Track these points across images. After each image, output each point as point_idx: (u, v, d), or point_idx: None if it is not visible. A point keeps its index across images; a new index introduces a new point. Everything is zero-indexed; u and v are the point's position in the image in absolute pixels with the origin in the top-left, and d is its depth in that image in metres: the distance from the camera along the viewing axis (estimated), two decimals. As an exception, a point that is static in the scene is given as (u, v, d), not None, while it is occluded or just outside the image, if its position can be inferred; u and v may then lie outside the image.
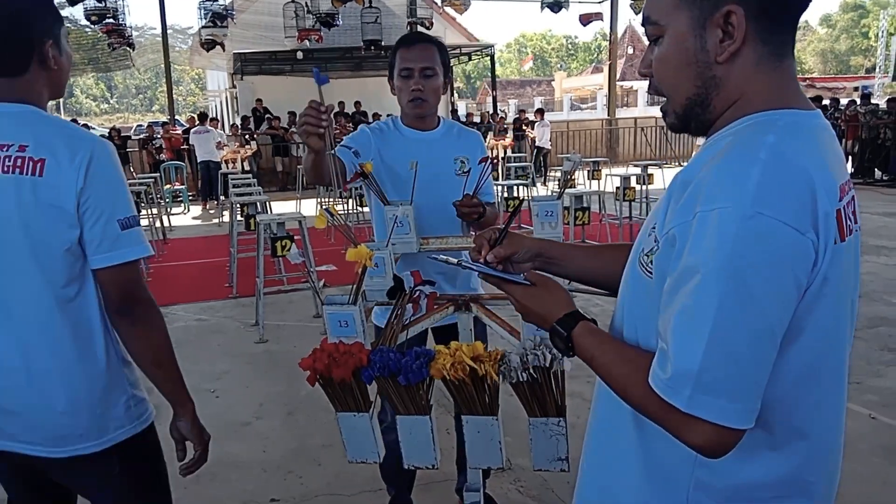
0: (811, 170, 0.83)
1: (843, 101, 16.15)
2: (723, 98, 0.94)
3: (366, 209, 8.42)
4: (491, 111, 18.70)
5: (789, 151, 0.84)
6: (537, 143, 15.65)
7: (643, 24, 0.99)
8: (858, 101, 14.50)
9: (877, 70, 32.44)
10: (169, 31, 16.95)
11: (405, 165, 2.08)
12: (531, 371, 1.36)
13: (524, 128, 16.05)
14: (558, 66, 57.97)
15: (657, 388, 0.86)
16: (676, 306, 0.84)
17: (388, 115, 2.39)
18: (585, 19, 17.28)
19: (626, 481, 1.02)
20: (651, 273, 0.92)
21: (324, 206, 8.70)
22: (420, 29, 15.07)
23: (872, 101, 14.89)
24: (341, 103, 16.36)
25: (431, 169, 2.11)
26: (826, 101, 15.32)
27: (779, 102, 0.91)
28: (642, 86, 24.38)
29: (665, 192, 0.94)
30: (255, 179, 9.04)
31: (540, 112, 16.75)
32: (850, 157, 13.91)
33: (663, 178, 9.04)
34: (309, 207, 10.13)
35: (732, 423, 0.83)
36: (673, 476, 0.96)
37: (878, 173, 13.23)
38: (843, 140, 13.96)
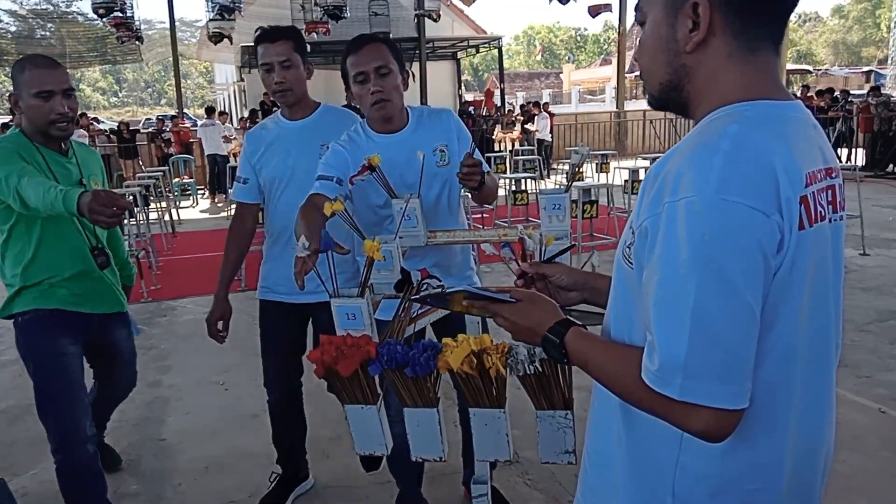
0: (773, 156, 0.86)
1: (855, 93, 15.97)
2: (696, 86, 0.97)
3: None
4: (499, 104, 18.65)
5: (751, 139, 0.87)
6: (538, 136, 15.61)
7: (635, 10, 1.04)
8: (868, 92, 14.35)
9: (889, 61, 32.14)
10: (177, 25, 16.99)
11: (388, 170, 2.01)
12: (538, 364, 1.36)
13: (525, 123, 15.97)
14: (567, 58, 57.70)
15: (649, 381, 0.88)
16: (655, 298, 0.87)
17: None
18: (594, 11, 17.19)
19: (618, 469, 1.04)
20: (632, 264, 0.95)
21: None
22: (428, 21, 15.04)
23: (884, 92, 14.71)
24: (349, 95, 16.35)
25: (414, 167, 2.06)
26: (837, 93, 15.19)
27: (750, 94, 0.94)
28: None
29: (641, 185, 0.96)
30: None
31: (537, 105, 16.66)
32: (859, 150, 13.77)
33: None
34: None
35: (727, 404, 0.84)
36: (658, 461, 0.98)
37: (890, 166, 13.05)
38: (855, 132, 13.81)
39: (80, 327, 2.33)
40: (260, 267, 2.74)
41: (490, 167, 2.31)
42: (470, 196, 2.21)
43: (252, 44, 2.55)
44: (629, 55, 18.73)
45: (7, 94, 2.23)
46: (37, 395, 2.22)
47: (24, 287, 2.24)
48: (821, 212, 0.92)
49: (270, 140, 2.48)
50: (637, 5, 1.03)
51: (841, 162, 11.66)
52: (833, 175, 0.97)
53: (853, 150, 13.71)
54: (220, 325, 2.68)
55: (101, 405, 2.79)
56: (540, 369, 1.37)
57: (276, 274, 2.58)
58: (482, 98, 18.53)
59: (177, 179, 12.50)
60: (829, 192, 0.95)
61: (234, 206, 2.69)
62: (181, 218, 10.50)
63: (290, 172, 2.42)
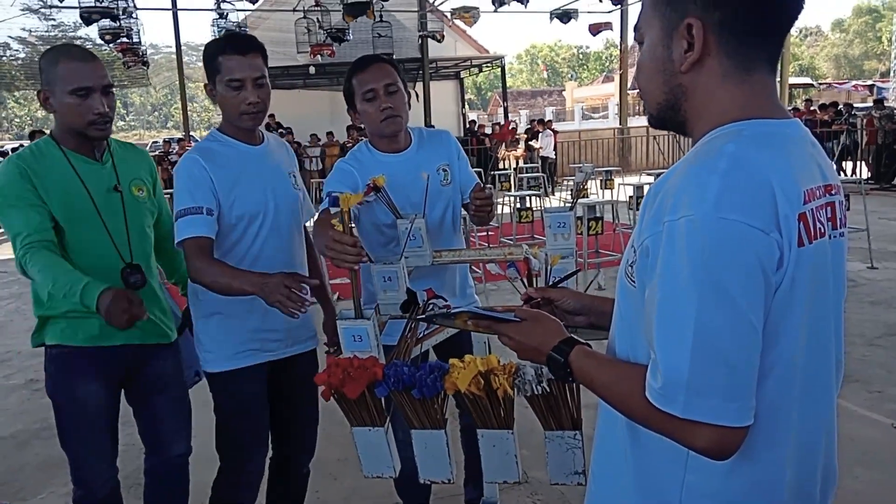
0: (770, 174, 0.87)
1: (859, 107, 15.98)
2: (692, 105, 0.98)
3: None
4: (502, 122, 18.73)
5: (748, 158, 0.88)
6: (542, 154, 15.66)
7: (634, 30, 1.06)
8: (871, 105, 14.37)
9: (891, 74, 32.15)
10: (183, 49, 17.17)
11: (394, 189, 2.01)
12: (546, 384, 1.36)
13: (529, 140, 16.05)
14: (569, 76, 58.03)
15: (653, 399, 0.88)
16: (657, 316, 0.87)
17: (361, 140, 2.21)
18: (595, 29, 17.29)
19: (622, 488, 1.04)
20: (634, 282, 0.96)
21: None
22: (431, 42, 15.17)
23: (887, 105, 14.72)
24: (354, 116, 16.44)
25: (419, 186, 2.07)
26: (840, 106, 15.21)
27: (746, 113, 0.95)
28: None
29: (642, 204, 0.97)
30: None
31: (541, 122, 16.76)
32: (864, 163, 13.75)
33: (677, 186, 8.98)
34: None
35: (731, 421, 0.85)
36: (664, 479, 0.97)
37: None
38: (860, 145, 13.80)
39: (113, 361, 2.02)
40: (217, 330, 2.13)
41: (495, 185, 2.31)
42: (468, 217, 2.21)
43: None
44: (631, 72, 18.83)
45: (38, 91, 1.97)
46: (58, 432, 2.07)
47: (49, 317, 1.96)
48: (820, 228, 0.93)
49: (238, 167, 2.05)
50: (636, 25, 1.04)
51: (846, 175, 11.65)
52: (833, 192, 0.97)
53: (858, 163, 13.70)
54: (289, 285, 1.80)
55: None
56: (548, 389, 1.37)
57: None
58: (493, 121, 18.53)
59: (183, 201, 12.56)
60: (829, 208, 0.96)
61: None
62: (187, 240, 10.51)
63: (272, 207, 2.08)
